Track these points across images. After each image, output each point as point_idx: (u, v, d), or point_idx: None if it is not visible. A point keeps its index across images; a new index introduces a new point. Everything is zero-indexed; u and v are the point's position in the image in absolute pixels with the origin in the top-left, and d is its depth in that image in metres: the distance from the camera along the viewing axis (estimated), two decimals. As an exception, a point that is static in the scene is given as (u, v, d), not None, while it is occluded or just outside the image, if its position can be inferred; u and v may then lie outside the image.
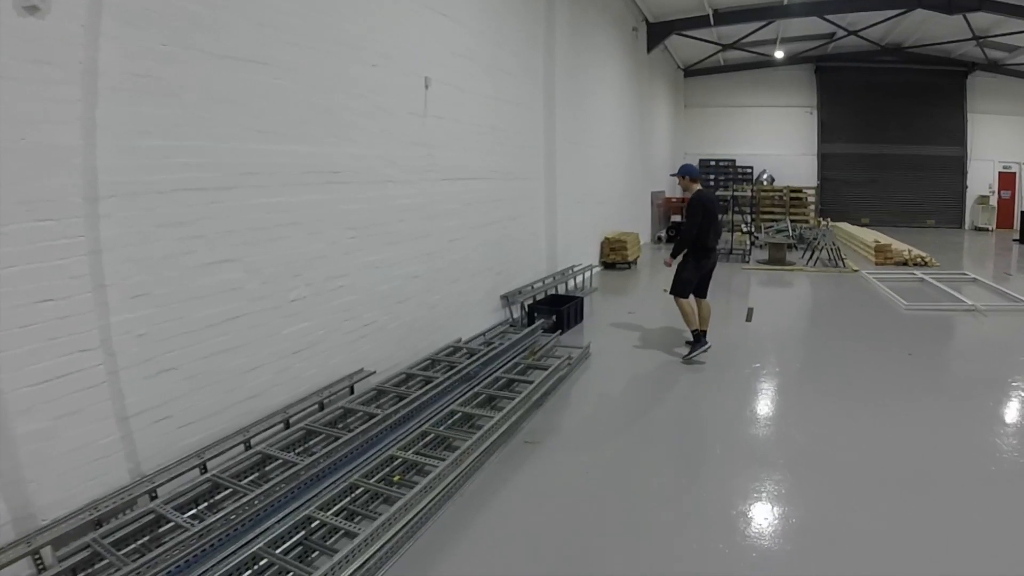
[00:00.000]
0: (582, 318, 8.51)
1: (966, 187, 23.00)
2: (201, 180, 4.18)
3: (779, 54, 21.24)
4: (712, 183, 23.33)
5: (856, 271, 12.86)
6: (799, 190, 20.88)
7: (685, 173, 7.13)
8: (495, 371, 5.98)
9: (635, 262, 13.67)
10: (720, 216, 7.52)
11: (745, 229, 16.55)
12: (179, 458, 4.02)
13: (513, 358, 6.35)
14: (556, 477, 4.47)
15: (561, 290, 9.82)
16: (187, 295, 4.11)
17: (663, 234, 18.18)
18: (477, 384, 5.65)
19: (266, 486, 3.70)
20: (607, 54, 13.55)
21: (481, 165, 7.80)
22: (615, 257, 13.08)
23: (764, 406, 5.76)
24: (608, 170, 14.00)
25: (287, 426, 4.76)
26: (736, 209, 16.76)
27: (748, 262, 14.13)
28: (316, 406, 5.09)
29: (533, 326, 7.24)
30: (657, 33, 17.04)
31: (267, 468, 4.25)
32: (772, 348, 7.53)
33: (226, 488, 3.86)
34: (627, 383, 6.41)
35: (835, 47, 21.82)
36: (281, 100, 4.80)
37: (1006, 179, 22.70)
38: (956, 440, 4.96)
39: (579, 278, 10.56)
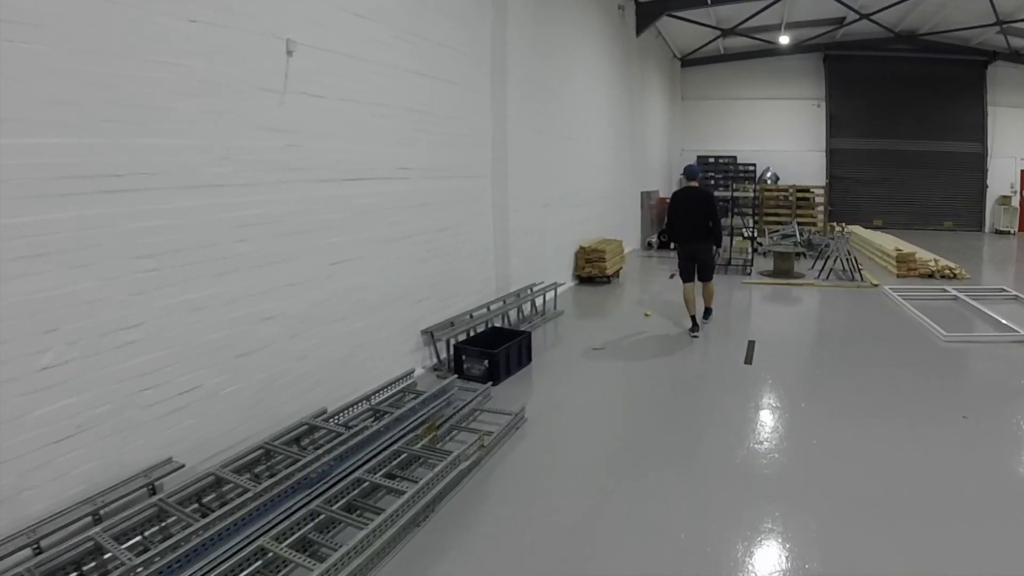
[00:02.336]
0: (530, 359, 6.58)
1: (986, 186, 21.00)
2: None
3: (784, 40, 19.25)
4: (712, 182, 21.42)
5: (876, 285, 10.92)
6: (806, 189, 18.90)
7: (683, 173, 8.30)
8: (363, 462, 4.05)
9: (616, 275, 11.71)
10: (719, 214, 7.89)
11: (746, 234, 14.62)
12: None
13: (401, 435, 4.42)
14: None
15: (513, 317, 7.91)
16: None
17: (654, 239, 16.23)
18: (323, 490, 3.73)
19: None
20: (585, 33, 11.62)
21: (390, 160, 5.88)
22: (591, 270, 11.13)
23: (768, 541, 3.78)
24: (589, 167, 12.10)
25: (38, 551, 3.10)
26: (736, 211, 14.84)
27: (750, 274, 12.16)
28: (90, 518, 3.38)
29: (445, 381, 5.28)
30: (647, 13, 15.11)
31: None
32: (778, 413, 5.57)
33: None
34: (563, 481, 4.36)
35: (845, 34, 19.85)
36: (15, 71, 3.10)
37: (1030, 178, 20.72)
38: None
39: (539, 300, 8.64)
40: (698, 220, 7.68)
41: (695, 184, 7.95)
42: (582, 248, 11.24)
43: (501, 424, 4.79)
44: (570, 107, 10.85)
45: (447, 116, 6.78)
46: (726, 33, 18.83)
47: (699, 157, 22.28)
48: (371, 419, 4.73)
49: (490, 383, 5.69)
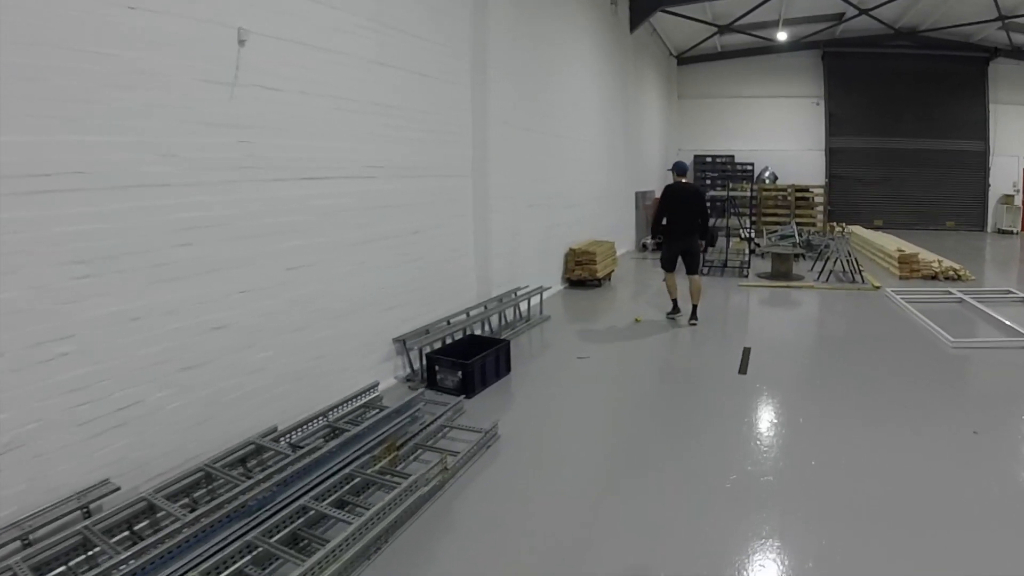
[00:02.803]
0: (509, 369, 6.18)
1: (988, 185, 20.56)
2: None
3: (782, 36, 18.86)
4: (708, 182, 21.08)
5: (878, 287, 10.53)
6: (805, 189, 18.49)
7: (672, 169, 8.52)
8: (311, 487, 3.67)
9: (608, 278, 11.31)
10: (710, 212, 8.68)
11: (744, 235, 14.25)
12: None
13: (357, 456, 4.04)
14: None
15: (496, 323, 7.54)
16: None
17: (649, 240, 15.84)
18: (264, 519, 3.35)
19: None
20: (576, 27, 11.25)
21: (355, 158, 5.50)
22: (582, 273, 10.72)
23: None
24: (581, 166, 11.70)
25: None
26: (733, 211, 14.46)
27: (747, 276, 11.78)
28: (18, 543, 3.10)
29: (413, 394, 4.88)
30: (641, 8, 14.71)
31: None
32: (774, 430, 5.15)
33: None
34: (535, 508, 3.94)
35: (844, 30, 19.48)
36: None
37: (1032, 176, 20.32)
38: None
39: (524, 305, 8.26)
40: (693, 216, 7.98)
41: (685, 180, 8.27)
42: (572, 250, 10.84)
43: (473, 441, 4.42)
44: (560, 104, 10.48)
45: (421, 112, 6.40)
46: (723, 30, 18.49)
47: (696, 156, 21.96)
48: (329, 437, 4.36)
49: (463, 396, 5.33)
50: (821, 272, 11.50)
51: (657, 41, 19.07)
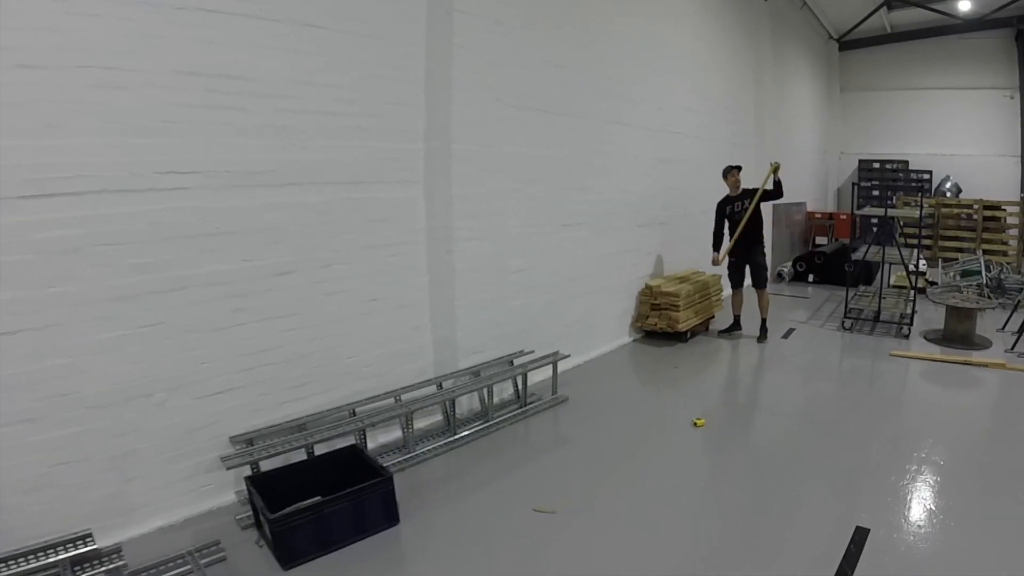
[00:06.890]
0: (393, 520, 3.51)
1: None
2: None
3: (964, 6, 14.36)
4: (876, 193, 16.88)
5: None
6: (996, 206, 13.77)
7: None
8: None
9: (705, 328, 8.20)
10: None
11: (911, 268, 10.43)
12: None
13: None
14: None
15: (464, 407, 4.92)
16: None
17: (788, 268, 12.31)
18: None
19: None
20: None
21: (137, 159, 3.30)
22: (657, 322, 7.69)
23: None
24: (673, 168, 8.53)
25: None
26: (900, 235, 10.59)
27: (907, 336, 7.99)
28: None
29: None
30: (778, -30, 11.47)
31: None
32: None
33: None
34: None
35: (1041, 1, 14.61)
36: None
37: None
38: None
39: (520, 380, 5.40)
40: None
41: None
42: (648, 288, 7.85)
43: None
44: (627, 77, 7.36)
45: (300, 82, 3.96)
46: (890, 2, 14.47)
47: (861, 161, 17.91)
48: None
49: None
50: (1018, 338, 7.46)
51: (809, 18, 15.28)
